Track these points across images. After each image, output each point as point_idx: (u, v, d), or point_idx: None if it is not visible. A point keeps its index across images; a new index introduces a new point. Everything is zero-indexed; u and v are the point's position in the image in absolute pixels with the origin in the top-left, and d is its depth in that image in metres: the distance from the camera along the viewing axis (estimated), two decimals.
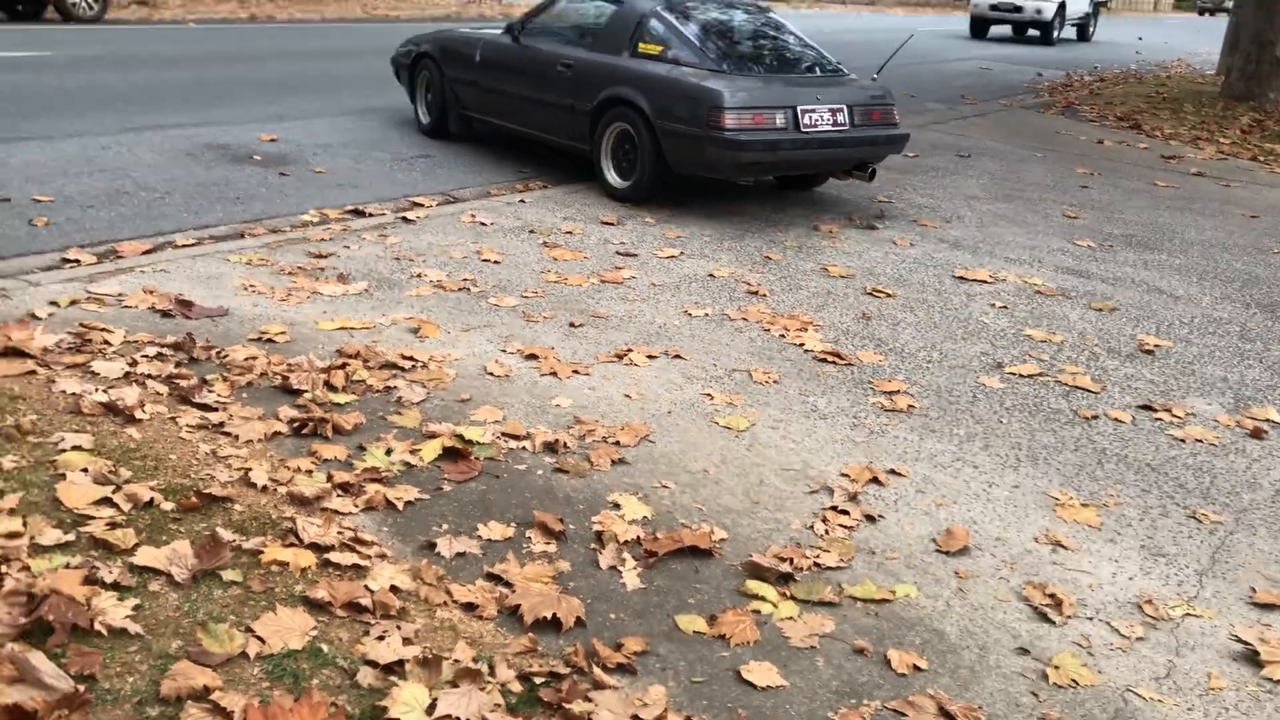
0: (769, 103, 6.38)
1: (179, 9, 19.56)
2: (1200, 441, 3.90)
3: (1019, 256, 6.21)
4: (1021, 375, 4.40)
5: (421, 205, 6.41)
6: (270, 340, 4.10)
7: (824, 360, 4.40)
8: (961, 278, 5.69)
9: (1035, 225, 7.00)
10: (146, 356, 3.79)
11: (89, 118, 8.13)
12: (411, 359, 4.03)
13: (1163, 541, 3.19)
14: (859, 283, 5.49)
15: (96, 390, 3.46)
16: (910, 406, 4.01)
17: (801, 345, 4.54)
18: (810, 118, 6.46)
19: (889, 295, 5.30)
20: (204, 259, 5.03)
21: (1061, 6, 25.17)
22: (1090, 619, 2.76)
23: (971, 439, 3.78)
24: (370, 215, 6.11)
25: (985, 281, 5.67)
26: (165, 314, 4.27)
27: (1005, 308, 5.26)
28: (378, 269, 5.10)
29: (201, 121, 8.35)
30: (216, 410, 3.45)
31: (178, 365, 3.77)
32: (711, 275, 5.41)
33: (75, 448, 3.08)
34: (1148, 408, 4.16)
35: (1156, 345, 4.86)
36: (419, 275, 5.05)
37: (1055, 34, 25.37)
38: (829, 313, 4.99)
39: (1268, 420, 4.12)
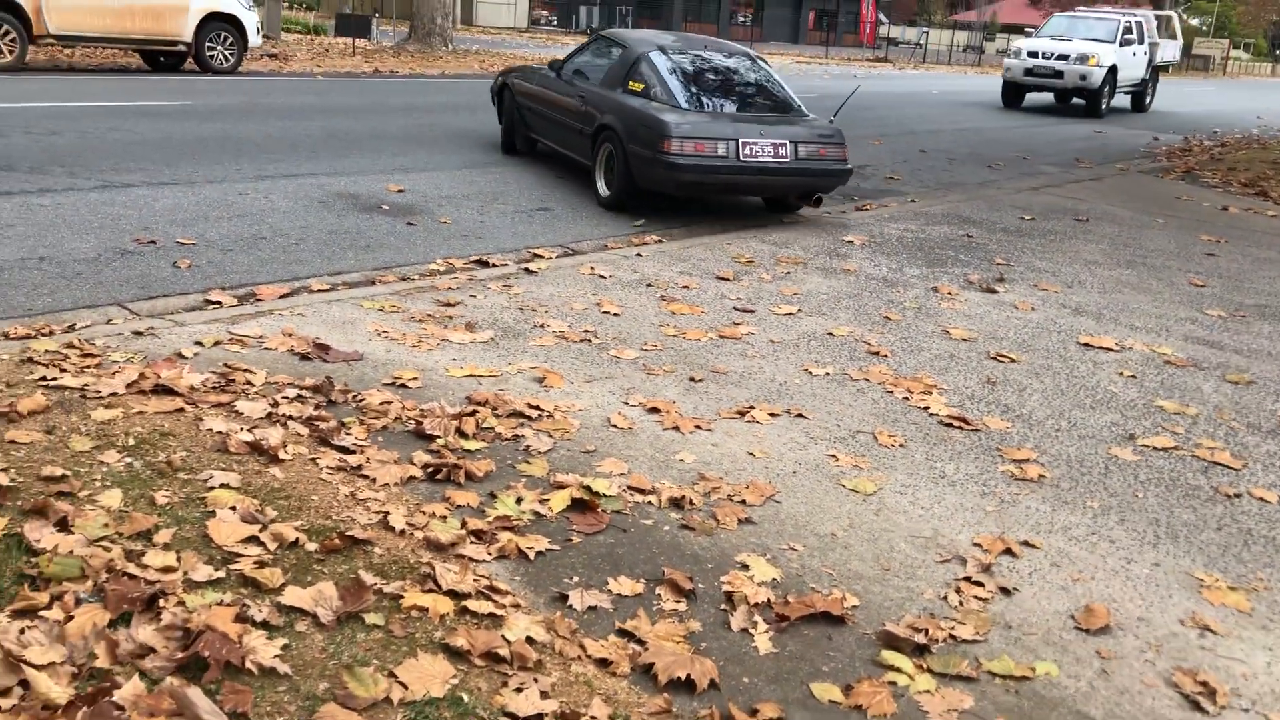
0: (712, 135, 7.64)
1: (307, 62, 20.38)
2: None
3: (1145, 325, 6.05)
4: (1156, 448, 4.28)
5: (542, 256, 6.53)
6: (403, 385, 4.21)
7: (950, 425, 4.33)
8: (1086, 345, 5.57)
9: (1160, 293, 6.82)
10: (287, 398, 3.92)
11: (227, 165, 8.50)
12: (538, 408, 4.09)
13: None
14: (981, 346, 5.41)
15: (242, 430, 3.59)
16: (1041, 476, 3.92)
17: (926, 409, 4.48)
18: (751, 149, 7.65)
19: (1013, 360, 5.21)
20: (338, 304, 5.19)
21: (1112, 71, 21.07)
22: (1246, 710, 2.65)
23: (1107, 512, 3.68)
24: (494, 266, 6.25)
25: (1111, 349, 5.53)
26: (304, 357, 4.41)
27: (1134, 377, 5.13)
28: (503, 318, 5.20)
29: (332, 171, 8.66)
30: (354, 453, 3.55)
31: (317, 407, 3.89)
32: (830, 334, 5.39)
33: (223, 485, 3.19)
34: None
35: None
36: (542, 325, 5.13)
37: (1104, 103, 21.34)
38: (952, 376, 4.93)
39: None
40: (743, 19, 66.94)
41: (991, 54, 59.68)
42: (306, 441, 3.60)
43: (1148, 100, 24.22)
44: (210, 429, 3.58)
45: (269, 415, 3.77)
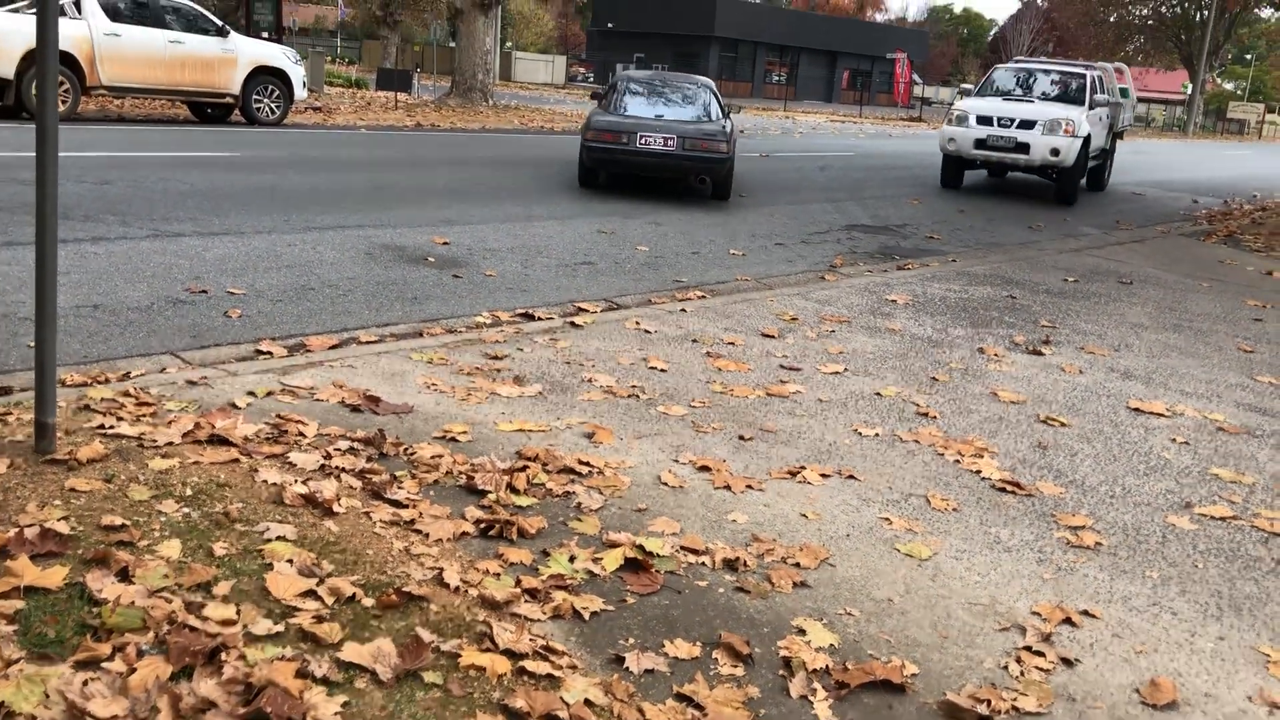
0: (616, 129, 11.86)
1: (351, 115, 20.74)
2: None
3: (1195, 390, 5.99)
4: (1213, 517, 4.20)
5: (586, 310, 6.56)
6: (453, 439, 4.22)
7: (1003, 490, 4.28)
8: (1137, 410, 5.51)
9: (1209, 358, 6.75)
10: (339, 450, 3.94)
11: (275, 216, 8.63)
12: (588, 464, 4.08)
13: None
14: (1030, 409, 5.36)
15: (296, 482, 3.60)
16: (1097, 544, 3.86)
17: (978, 472, 4.44)
18: (644, 140, 11.73)
19: (1063, 424, 5.16)
20: (387, 356, 5.23)
21: (1086, 142, 15.28)
22: None
23: (1166, 583, 3.61)
24: (539, 319, 6.28)
25: (1162, 415, 5.47)
26: (354, 409, 4.44)
27: (1187, 444, 5.06)
28: (550, 372, 5.22)
29: (378, 223, 8.77)
30: (407, 507, 3.55)
31: (369, 460, 3.90)
32: (878, 394, 5.37)
33: (280, 538, 3.20)
34: None
35: None
36: (590, 380, 5.14)
37: (1079, 183, 15.94)
38: (1003, 439, 4.88)
39: None
40: (777, 78, 67.71)
41: None
42: (359, 494, 3.61)
43: (1106, 176, 18.85)
44: (265, 480, 3.60)
45: (322, 467, 3.78)
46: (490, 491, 3.74)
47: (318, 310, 6.10)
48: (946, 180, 16.56)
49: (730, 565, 3.42)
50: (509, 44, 65.45)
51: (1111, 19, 63.26)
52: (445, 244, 8.23)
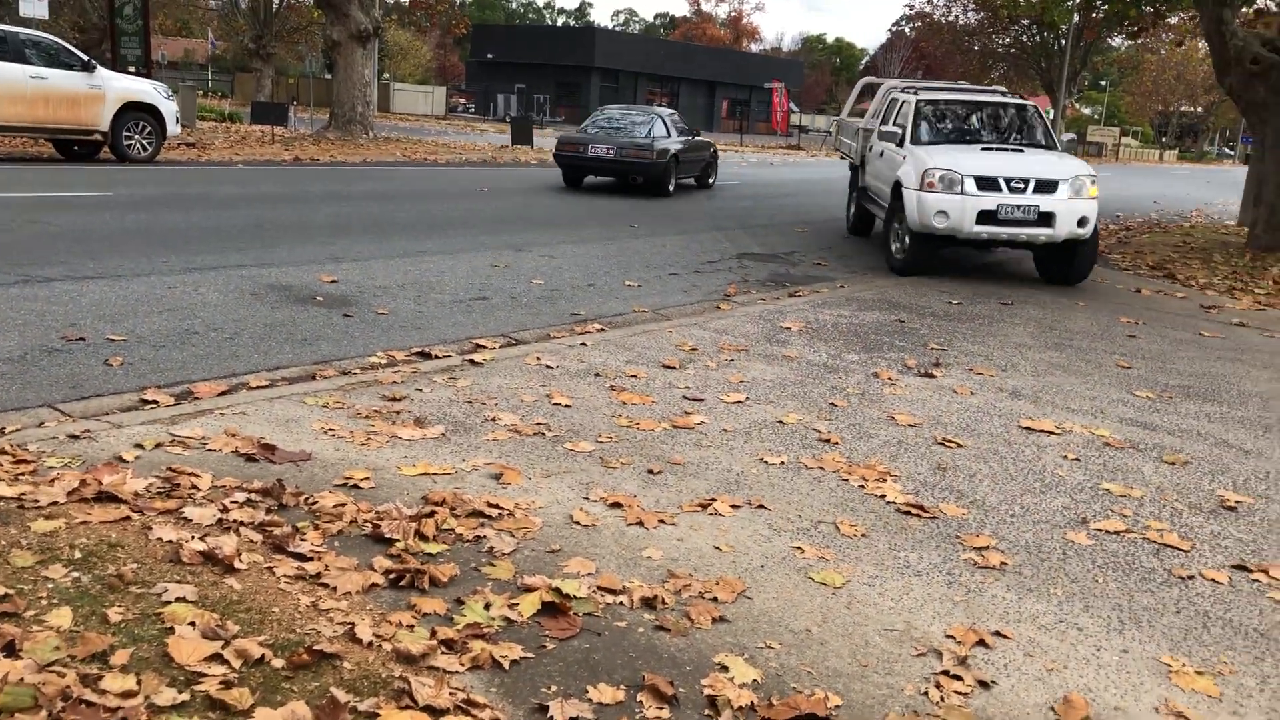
0: (578, 143, 18.09)
1: (226, 150, 20.21)
2: None
3: (1081, 407, 6.20)
4: (1108, 532, 4.34)
5: (485, 347, 6.48)
6: (356, 486, 4.10)
7: (908, 513, 4.35)
8: (1028, 428, 5.68)
9: (1090, 375, 7.01)
10: (236, 502, 3.79)
11: (154, 257, 8.32)
12: (498, 507, 4.01)
13: None
14: (928, 432, 5.47)
15: (193, 538, 3.44)
16: (1003, 564, 3.95)
17: (883, 496, 4.50)
18: (592, 150, 17.71)
19: (960, 446, 5.28)
20: (281, 401, 5.06)
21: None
22: None
23: (1071, 599, 3.71)
24: (437, 357, 6.17)
25: (1052, 433, 5.65)
26: (249, 458, 4.27)
27: (1078, 460, 5.23)
28: (452, 413, 5.12)
29: (262, 262, 8.53)
30: (312, 560, 3.42)
31: (268, 512, 3.76)
32: (781, 422, 5.42)
33: (180, 599, 3.04)
34: (1242, 568, 4.09)
35: (1238, 502, 4.80)
36: (493, 419, 5.06)
37: (1076, 264, 10.89)
38: (904, 462, 4.97)
39: None
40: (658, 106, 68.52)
41: None
42: (261, 549, 3.47)
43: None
44: (160, 538, 3.43)
45: (220, 522, 3.63)
46: (398, 540, 3.64)
47: (204, 355, 5.89)
48: (914, 264, 10.81)
49: (648, 603, 3.39)
50: (386, 75, 64.75)
51: (975, 48, 65.77)
52: (333, 282, 8.04)
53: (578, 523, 3.96)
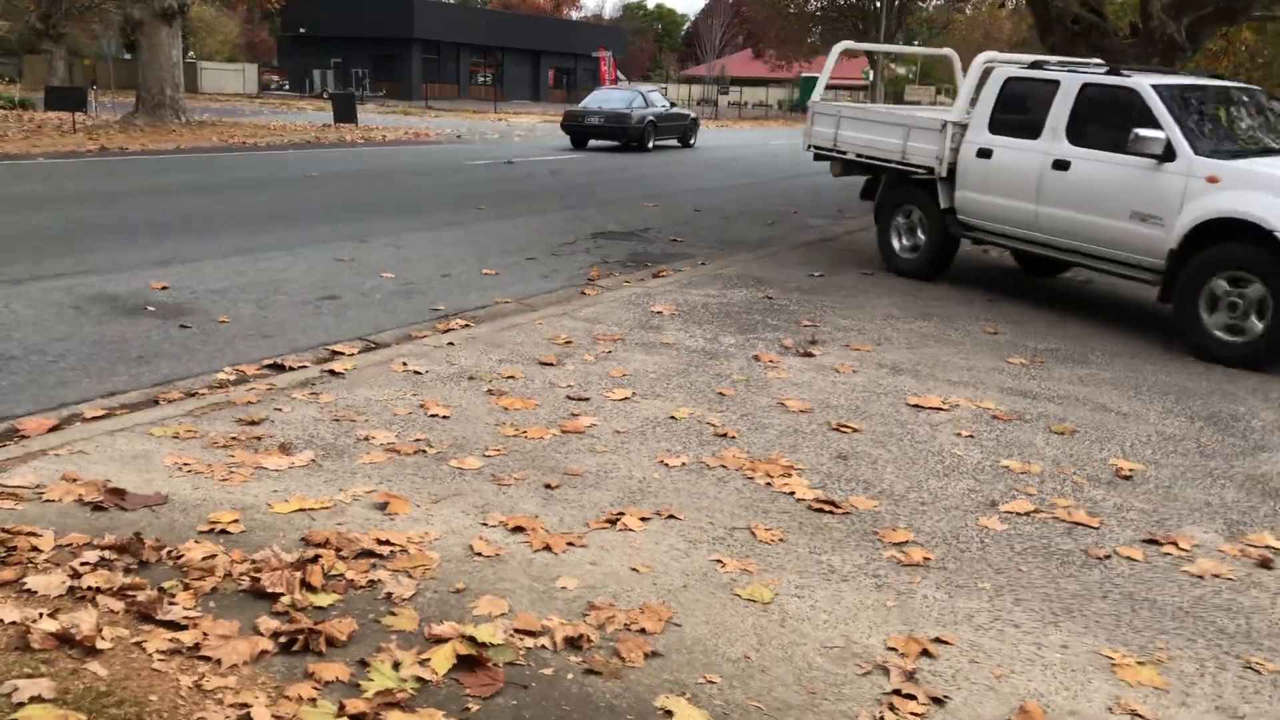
0: (580, 114, 25.52)
1: (21, 142, 18.64)
2: (1217, 577, 3.81)
3: (961, 379, 6.19)
4: (1018, 514, 4.27)
5: (343, 354, 6.01)
6: (224, 531, 3.65)
7: (820, 510, 4.18)
8: (917, 406, 5.61)
9: (962, 344, 7.03)
10: (88, 564, 3.30)
11: None
12: (388, 543, 3.63)
13: (1233, 700, 3.04)
14: (820, 417, 5.33)
15: (41, 616, 2.96)
16: (925, 559, 3.81)
17: (792, 494, 4.32)
18: (588, 120, 25.13)
19: (856, 430, 5.16)
20: (123, 435, 4.51)
21: None
22: None
23: (1000, 593, 3.60)
24: (292, 369, 5.67)
25: (940, 409, 5.59)
26: (96, 506, 3.76)
27: (971, 437, 5.18)
28: (320, 434, 4.68)
29: (81, 269, 7.76)
30: (187, 628, 2.99)
31: (127, 572, 3.28)
32: (673, 417, 5.17)
33: (35, 699, 2.59)
34: (1153, 541, 4.08)
35: (1132, 470, 4.82)
36: (367, 438, 4.65)
37: None
38: (804, 454, 4.80)
39: (1268, 547, 4.07)
40: (483, 79, 67.20)
41: (724, 106, 62.41)
42: (125, 620, 3.02)
43: None
44: (0, 620, 2.93)
45: (71, 591, 3.14)
46: (282, 593, 3.23)
47: (25, 384, 5.24)
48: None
49: (573, 644, 3.10)
50: (191, 54, 61.35)
51: (791, 10, 66.99)
52: (164, 288, 7.37)
53: (480, 554, 3.62)
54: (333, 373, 5.58)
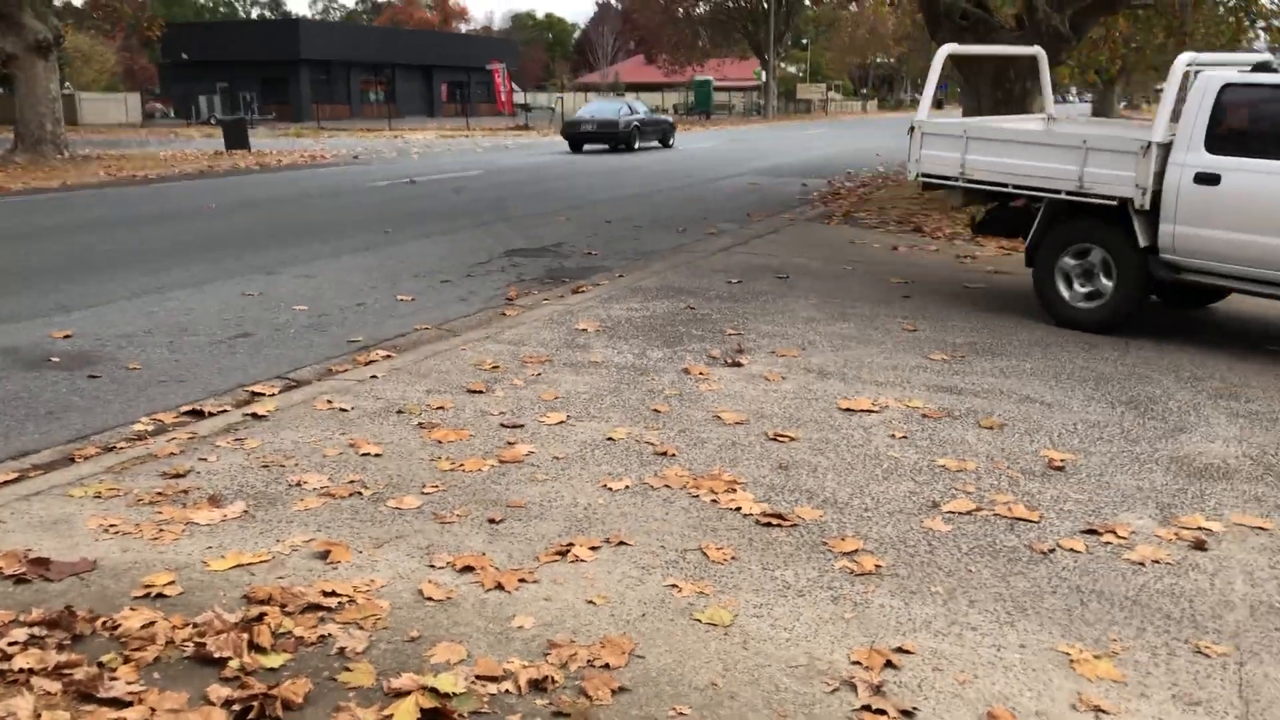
0: (577, 122, 31.31)
1: None
2: (1157, 563, 3.90)
3: (887, 379, 6.26)
4: (961, 513, 4.33)
5: (264, 395, 5.83)
6: (161, 595, 3.50)
7: (768, 524, 4.17)
8: (849, 409, 5.65)
9: (883, 343, 7.12)
10: (16, 644, 3.12)
11: None
12: (334, 594, 3.52)
13: (1188, 687, 3.11)
14: (756, 427, 5.34)
15: None
16: (877, 566, 3.83)
17: (738, 509, 4.31)
18: (584, 127, 30.71)
19: (793, 439, 5.17)
20: (39, 498, 4.30)
21: None
22: None
23: (953, 595, 3.63)
24: (212, 415, 5.49)
25: (872, 411, 5.65)
26: (19, 579, 3.58)
27: (905, 437, 5.23)
28: (249, 482, 4.52)
29: None
30: (132, 704, 2.86)
31: (61, 649, 3.12)
32: (610, 439, 5.13)
33: None
34: (1092, 531, 4.16)
35: (1063, 460, 4.93)
36: (299, 484, 4.51)
37: None
38: (746, 466, 4.80)
39: (1200, 529, 4.19)
40: (375, 97, 66.28)
41: None
42: (64, 702, 2.86)
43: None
44: None
45: (3, 675, 2.97)
46: (230, 657, 3.11)
47: None
48: None
49: (538, 686, 3.03)
50: (68, 85, 59.34)
51: (681, 15, 67.57)
52: (67, 337, 7.07)
53: (430, 598, 3.53)
54: (255, 416, 5.41)
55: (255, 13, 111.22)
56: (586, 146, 30.64)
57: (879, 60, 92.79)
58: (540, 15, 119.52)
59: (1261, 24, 21.57)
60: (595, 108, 32.88)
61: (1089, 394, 5.99)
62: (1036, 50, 10.19)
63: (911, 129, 8.52)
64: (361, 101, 65.13)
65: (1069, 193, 7.47)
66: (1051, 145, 7.67)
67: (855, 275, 9.61)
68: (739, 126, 48.93)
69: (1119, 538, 4.12)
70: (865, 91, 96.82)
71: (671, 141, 33.61)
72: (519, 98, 67.78)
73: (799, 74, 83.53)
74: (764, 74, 64.84)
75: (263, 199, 16.61)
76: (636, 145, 30.93)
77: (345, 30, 72.82)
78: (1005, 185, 7.91)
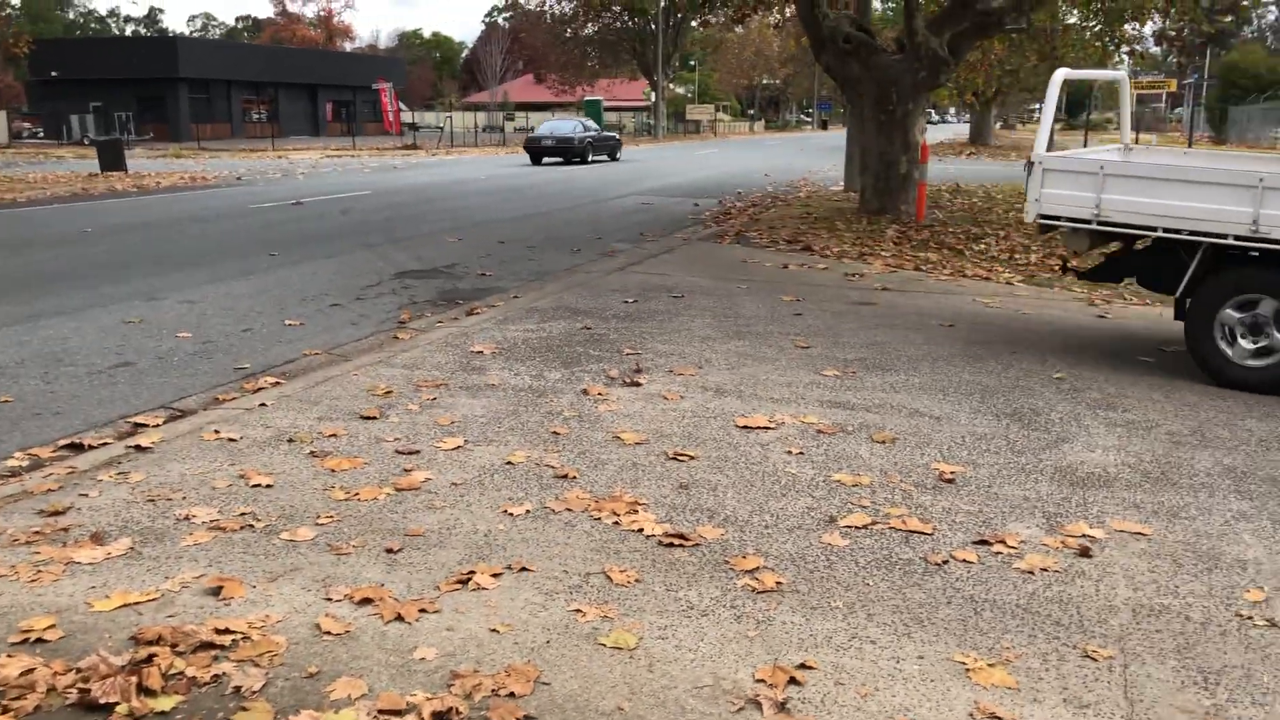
0: (538, 138, 35.95)
1: None
2: (1045, 570, 4.03)
3: (781, 395, 6.35)
4: (857, 527, 4.41)
5: (148, 426, 5.63)
6: (40, 640, 3.34)
7: (671, 545, 4.19)
8: (746, 427, 5.72)
9: (778, 360, 7.23)
10: None
11: None
12: (228, 631, 3.41)
13: (1078, 690, 3.22)
14: (656, 447, 5.36)
15: None
16: (778, 583, 3.88)
17: (640, 530, 4.31)
18: (544, 142, 35.47)
19: (692, 458, 5.21)
20: None
21: None
22: None
23: (853, 610, 3.70)
24: (93, 448, 5.27)
25: (768, 428, 5.72)
26: None
27: (802, 454, 5.31)
28: (134, 518, 4.36)
29: None
30: None
31: None
32: (509, 463, 5.09)
33: None
34: (983, 542, 4.28)
35: (953, 473, 5.06)
36: (188, 518, 4.36)
37: None
38: (647, 487, 4.81)
39: (1084, 535, 4.35)
40: (257, 115, 64.83)
41: (511, 132, 62.38)
42: None
43: None
44: None
45: None
46: (118, 702, 2.99)
47: None
48: None
49: (442, 718, 2.98)
50: None
51: (569, 35, 67.81)
52: None
53: (329, 633, 3.45)
54: (139, 448, 5.22)
55: (130, 29, 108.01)
56: (546, 160, 35.18)
57: (766, 82, 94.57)
58: (427, 34, 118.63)
59: (1126, 49, 22.67)
60: (553, 125, 37.14)
61: (975, 407, 6.18)
62: (1120, 75, 9.60)
63: (1029, 164, 7.49)
64: (244, 121, 63.65)
65: (1238, 237, 6.65)
66: (1218, 184, 6.79)
67: (749, 293, 9.75)
68: (630, 146, 49.26)
69: (1009, 547, 4.24)
70: (753, 112, 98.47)
71: (619, 155, 38.42)
72: (406, 117, 67.11)
73: (688, 95, 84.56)
74: (653, 94, 65.44)
75: (142, 222, 16.08)
76: (590, 158, 35.76)
77: (226, 48, 71.21)
78: (1154, 229, 7.01)
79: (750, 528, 4.39)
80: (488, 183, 25.70)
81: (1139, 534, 4.39)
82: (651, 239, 13.81)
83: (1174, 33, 22.66)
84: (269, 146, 47.97)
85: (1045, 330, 8.41)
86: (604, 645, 3.42)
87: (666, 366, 6.99)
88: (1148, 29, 21.95)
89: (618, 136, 40.44)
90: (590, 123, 39.17)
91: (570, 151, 34.74)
